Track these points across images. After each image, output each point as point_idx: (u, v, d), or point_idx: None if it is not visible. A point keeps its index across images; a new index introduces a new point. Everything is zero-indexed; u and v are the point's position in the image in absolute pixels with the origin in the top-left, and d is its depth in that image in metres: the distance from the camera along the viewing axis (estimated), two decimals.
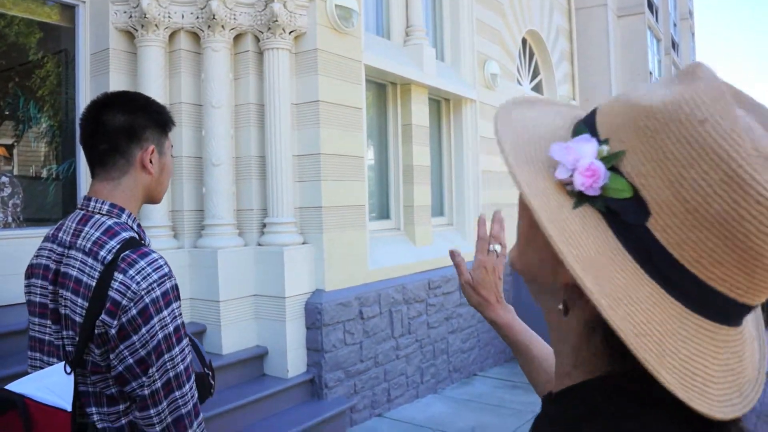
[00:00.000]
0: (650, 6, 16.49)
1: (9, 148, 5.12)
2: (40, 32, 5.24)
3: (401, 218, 6.87)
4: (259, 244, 5.32)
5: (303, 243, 5.40)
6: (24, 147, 5.23)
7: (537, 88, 10.88)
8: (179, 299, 1.64)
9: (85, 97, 5.27)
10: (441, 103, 7.88)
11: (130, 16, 5.13)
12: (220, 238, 5.15)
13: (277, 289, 5.16)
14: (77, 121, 5.23)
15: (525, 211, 0.72)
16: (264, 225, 5.36)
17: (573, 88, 12.14)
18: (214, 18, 5.09)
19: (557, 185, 0.63)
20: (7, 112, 5.05)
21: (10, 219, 4.82)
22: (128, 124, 1.71)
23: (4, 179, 4.85)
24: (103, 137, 1.71)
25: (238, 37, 5.39)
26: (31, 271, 1.73)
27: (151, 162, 1.75)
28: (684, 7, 25.37)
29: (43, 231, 4.76)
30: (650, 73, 15.62)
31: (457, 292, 7.10)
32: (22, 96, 5.09)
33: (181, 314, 1.64)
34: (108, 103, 1.73)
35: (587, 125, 0.65)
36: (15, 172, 5.05)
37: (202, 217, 5.28)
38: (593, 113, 0.67)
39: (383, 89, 6.87)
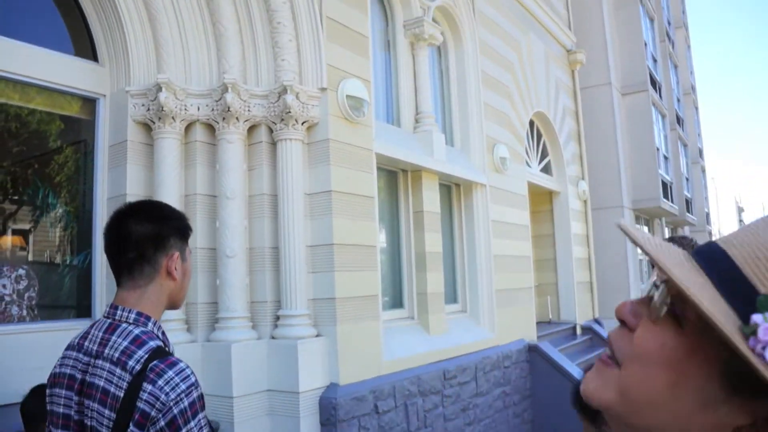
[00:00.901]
0: (653, 83, 16.79)
1: (25, 235, 5.12)
2: (60, 123, 5.33)
3: (414, 306, 6.78)
4: (273, 337, 5.23)
5: (317, 336, 5.30)
6: (40, 235, 5.24)
7: (546, 169, 10.95)
8: (204, 408, 1.64)
9: (102, 188, 5.32)
10: (452, 188, 7.92)
11: (148, 109, 5.23)
12: (233, 332, 5.07)
13: (291, 383, 5.04)
14: (94, 212, 5.32)
15: (666, 327, 0.59)
16: (278, 317, 5.28)
17: (581, 167, 12.22)
18: (228, 110, 5.18)
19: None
20: (24, 198, 5.08)
21: (25, 312, 4.78)
22: (154, 233, 1.75)
23: (21, 271, 4.84)
24: (130, 246, 1.73)
25: (252, 128, 5.47)
26: (54, 380, 1.72)
27: (175, 268, 1.78)
28: (686, 82, 25.88)
29: (59, 325, 4.80)
30: (657, 149, 15.75)
31: (473, 382, 6.94)
32: (42, 186, 5.13)
33: (207, 422, 1.64)
34: (133, 213, 1.78)
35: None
36: (30, 259, 5.04)
37: (216, 310, 5.22)
38: (734, 265, 0.56)
39: (394, 176, 6.92)
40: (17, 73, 4.81)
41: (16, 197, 5.05)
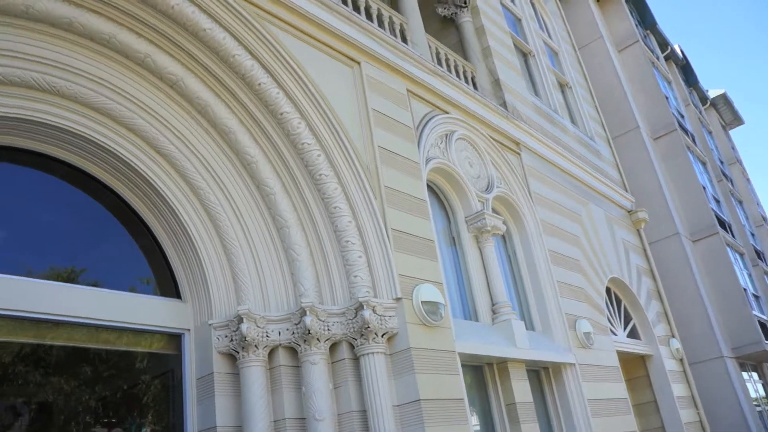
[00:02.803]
0: (722, 224, 16.46)
1: None
2: (147, 359, 5.51)
3: None
4: None
5: None
6: None
7: (632, 334, 10.56)
8: None
9: (193, 420, 5.36)
10: (540, 373, 7.68)
11: (231, 340, 5.37)
12: None
13: None
14: None
15: None
16: None
17: (669, 325, 11.72)
18: (309, 332, 5.27)
19: None
20: None
21: None
22: None
23: None
24: None
25: (333, 346, 5.52)
26: None
27: None
28: (756, 215, 25.25)
29: None
30: (744, 289, 15.05)
31: None
32: (133, 421, 5.21)
33: None
34: None
35: None
36: None
37: None
38: None
39: (480, 371, 6.78)
40: (111, 320, 5.09)
41: None
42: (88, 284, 5.17)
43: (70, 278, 5.16)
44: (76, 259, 5.30)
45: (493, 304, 7.16)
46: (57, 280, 5.01)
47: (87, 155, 5.34)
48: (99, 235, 5.56)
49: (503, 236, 8.14)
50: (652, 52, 19.76)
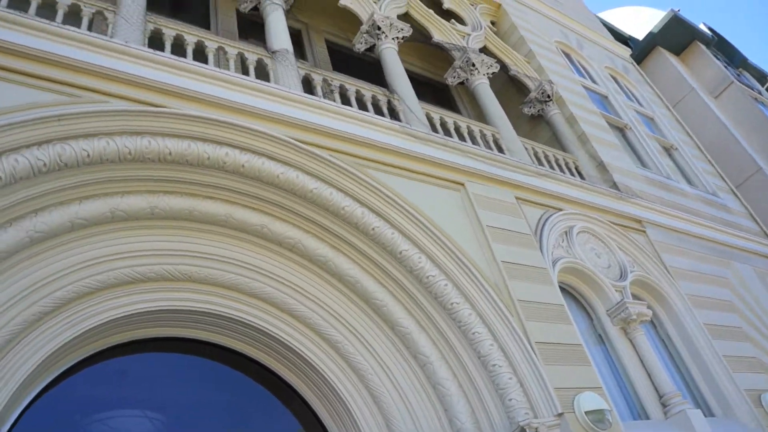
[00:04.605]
0: None
1: None
2: None
3: None
4: None
5: None
6: None
7: None
8: None
9: None
10: None
11: None
12: None
13: None
14: None
15: None
16: None
17: None
18: None
19: None
20: None
21: None
22: None
23: None
24: None
25: None
26: None
27: None
28: None
29: None
30: None
31: None
32: None
33: None
34: None
35: None
36: None
37: None
38: None
39: None
40: None
41: None
42: None
43: None
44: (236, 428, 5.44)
45: (660, 396, 6.64)
46: None
47: (235, 335, 5.59)
48: (251, 404, 5.71)
49: (651, 321, 7.68)
50: (751, 88, 18.93)
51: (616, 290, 7.19)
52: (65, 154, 4.67)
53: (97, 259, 4.96)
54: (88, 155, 4.78)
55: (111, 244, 5.06)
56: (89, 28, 5.81)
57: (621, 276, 7.50)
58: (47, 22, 5.19)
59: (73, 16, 5.83)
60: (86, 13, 5.91)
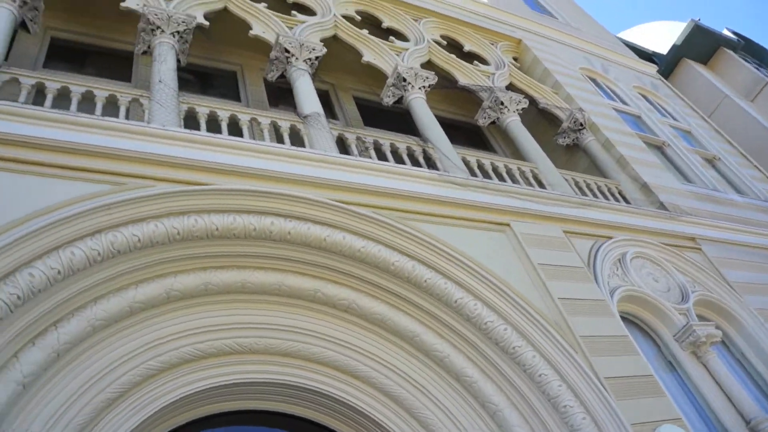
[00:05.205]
0: None
1: None
2: None
3: None
4: None
5: None
6: None
7: None
8: None
9: None
10: None
11: None
12: None
13: None
14: None
15: None
16: None
17: None
18: None
19: None
20: None
21: None
22: None
23: None
24: None
25: None
26: None
27: None
28: None
29: None
30: None
31: None
32: None
33: None
34: None
35: None
36: None
37: None
38: None
39: None
40: None
41: None
42: None
43: None
44: None
45: (747, 422, 6.30)
46: None
47: (301, 402, 5.54)
48: None
49: (722, 341, 7.38)
50: None
51: (680, 313, 6.95)
52: (117, 242, 4.77)
53: (158, 341, 5.00)
54: (139, 240, 4.88)
55: (169, 324, 5.11)
56: (127, 117, 6.03)
57: (683, 298, 7.27)
58: (88, 116, 5.39)
59: (111, 106, 6.06)
60: (123, 102, 6.13)
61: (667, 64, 17.37)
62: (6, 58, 6.09)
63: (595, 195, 8.34)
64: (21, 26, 6.64)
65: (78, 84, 6.04)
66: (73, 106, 5.73)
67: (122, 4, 7.19)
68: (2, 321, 4.14)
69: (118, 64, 8.29)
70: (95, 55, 8.44)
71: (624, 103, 12.14)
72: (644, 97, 13.05)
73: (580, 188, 8.32)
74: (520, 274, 6.21)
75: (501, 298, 5.77)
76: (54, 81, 5.98)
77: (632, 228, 7.78)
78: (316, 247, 5.57)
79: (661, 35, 20.04)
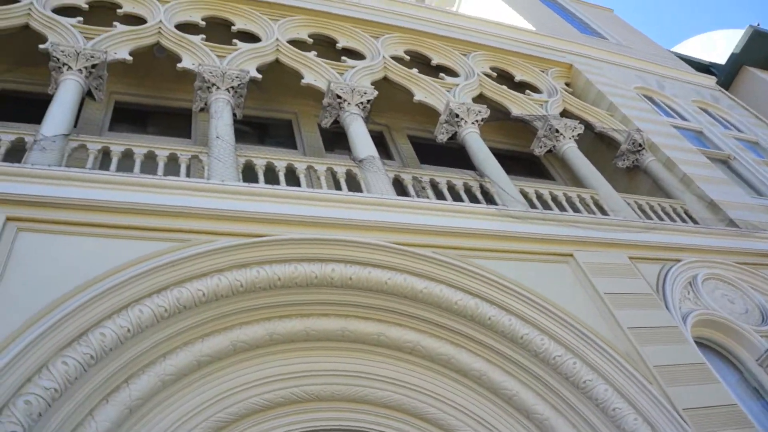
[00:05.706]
0: None
1: None
2: None
3: None
4: None
5: None
6: None
7: None
8: None
9: None
10: None
11: None
12: None
13: None
14: None
15: None
16: None
17: None
18: None
19: None
20: None
21: None
22: None
23: None
24: None
25: None
26: None
27: None
28: None
29: None
30: None
31: None
32: None
33: None
34: None
35: None
36: None
37: None
38: None
39: None
40: None
41: None
42: None
43: None
44: None
45: None
46: None
47: None
48: None
49: None
50: None
51: (762, 336, 6.63)
52: (183, 297, 4.90)
53: (226, 392, 5.09)
54: (204, 294, 5.00)
55: (236, 375, 5.20)
56: (188, 173, 6.23)
57: (763, 320, 6.93)
58: (150, 176, 5.60)
59: (172, 163, 6.28)
60: (183, 159, 6.34)
61: (726, 74, 16.81)
62: (75, 125, 6.41)
63: (659, 217, 8.10)
64: (87, 95, 6.99)
65: (140, 145, 6.29)
66: (137, 167, 5.97)
67: (179, 65, 7.52)
68: (77, 380, 4.29)
69: (179, 122, 8.61)
70: (157, 114, 8.80)
71: (683, 119, 11.82)
72: (705, 110, 12.67)
73: (643, 211, 8.10)
74: (587, 304, 6.07)
75: (568, 331, 5.64)
76: (118, 144, 6.25)
77: (701, 249, 7.50)
78: (378, 290, 5.59)
79: (715, 46, 19.48)
